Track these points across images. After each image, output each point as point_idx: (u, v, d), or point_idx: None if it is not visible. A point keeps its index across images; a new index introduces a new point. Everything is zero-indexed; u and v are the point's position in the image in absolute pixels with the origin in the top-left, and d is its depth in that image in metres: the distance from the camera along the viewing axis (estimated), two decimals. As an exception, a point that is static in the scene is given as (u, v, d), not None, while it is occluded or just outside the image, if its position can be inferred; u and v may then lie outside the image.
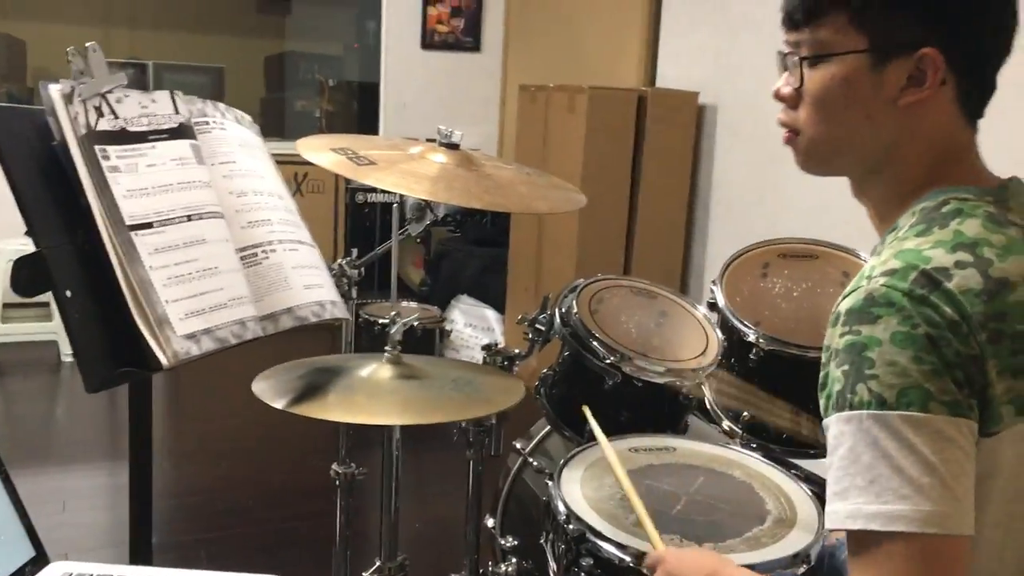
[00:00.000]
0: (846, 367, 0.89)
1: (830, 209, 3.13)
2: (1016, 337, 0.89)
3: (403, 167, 1.51)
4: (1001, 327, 0.89)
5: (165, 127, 1.21)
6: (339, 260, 1.75)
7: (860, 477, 0.87)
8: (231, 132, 1.32)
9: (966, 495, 0.86)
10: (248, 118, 1.41)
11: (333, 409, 1.30)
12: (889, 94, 0.99)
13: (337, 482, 1.92)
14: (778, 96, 1.08)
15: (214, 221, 1.20)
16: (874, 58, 0.98)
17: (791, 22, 1.04)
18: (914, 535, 0.84)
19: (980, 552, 0.93)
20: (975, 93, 1.01)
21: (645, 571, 1.24)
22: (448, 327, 4.62)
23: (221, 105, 1.34)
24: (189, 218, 1.17)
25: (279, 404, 1.29)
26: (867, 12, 0.97)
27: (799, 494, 1.49)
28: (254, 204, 1.28)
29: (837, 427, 0.89)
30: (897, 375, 0.86)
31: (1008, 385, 0.89)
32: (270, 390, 1.36)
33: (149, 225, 1.13)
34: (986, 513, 0.91)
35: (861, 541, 0.87)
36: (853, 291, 0.93)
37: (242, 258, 1.22)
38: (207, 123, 1.29)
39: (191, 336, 1.10)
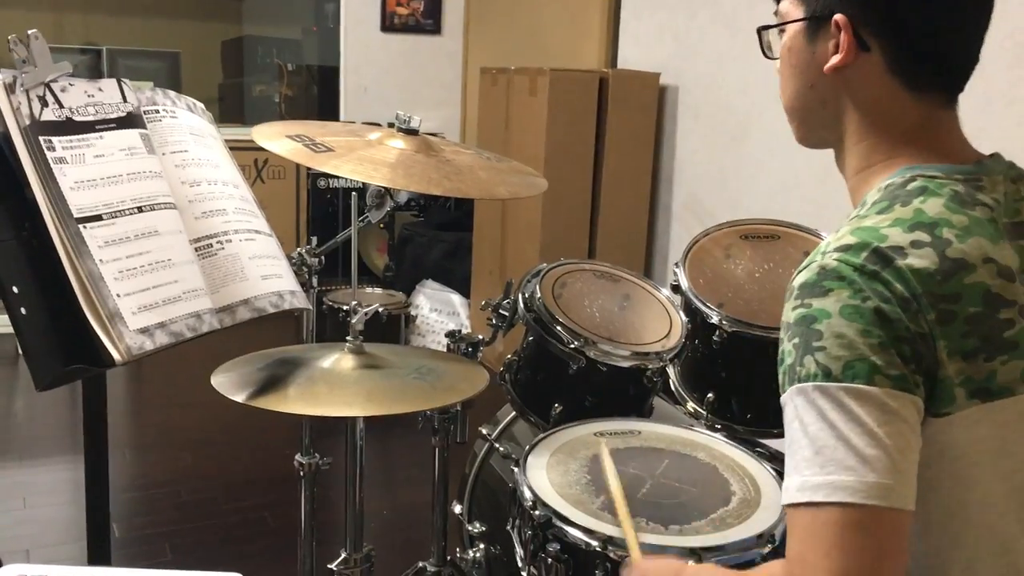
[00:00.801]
0: (796, 340, 0.90)
1: (792, 189, 3.15)
2: (969, 319, 0.89)
3: (361, 154, 1.49)
4: (953, 308, 0.89)
5: (113, 116, 1.17)
6: (299, 248, 1.73)
7: (808, 449, 0.87)
8: (183, 120, 1.29)
9: (909, 469, 0.86)
10: (200, 106, 1.38)
11: (294, 402, 1.29)
12: (820, 63, 1.01)
13: (301, 473, 1.90)
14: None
15: (166, 212, 1.17)
16: (809, 27, 1.02)
17: None
18: (856, 506, 0.84)
19: (934, 539, 0.94)
20: (912, 62, 0.99)
21: (623, 559, 1.25)
22: (413, 312, 4.60)
23: (172, 93, 1.31)
24: (140, 209, 1.14)
25: (239, 398, 1.27)
26: None
27: (763, 474, 1.50)
28: (208, 194, 1.25)
29: (791, 401, 0.90)
30: (844, 347, 0.86)
31: (959, 367, 0.89)
32: (230, 383, 1.34)
33: (98, 217, 1.10)
34: (937, 496, 0.92)
35: (803, 511, 0.87)
36: (807, 266, 0.93)
37: (196, 249, 1.20)
38: (157, 111, 1.26)
39: (144, 331, 1.08)
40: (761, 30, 1.08)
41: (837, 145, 1.07)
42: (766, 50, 1.09)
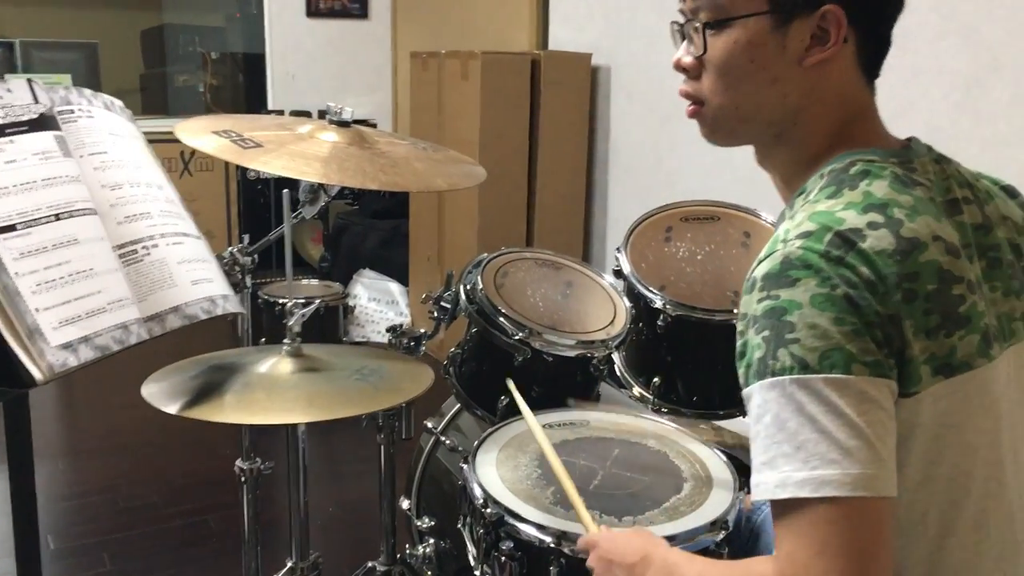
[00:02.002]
0: (766, 333, 0.87)
1: (727, 166, 3.16)
2: (928, 297, 0.90)
3: (292, 148, 1.44)
4: (914, 287, 0.89)
5: (24, 119, 1.10)
6: (230, 248, 1.66)
7: (787, 444, 0.85)
8: (100, 120, 1.22)
9: (890, 456, 0.86)
10: (119, 103, 1.31)
11: (231, 410, 1.24)
12: (793, 55, 0.98)
13: (242, 479, 1.84)
14: (679, 67, 1.05)
15: (86, 219, 1.11)
16: (776, 19, 0.97)
17: None
18: (844, 499, 0.83)
19: (902, 518, 0.93)
20: (873, 50, 1.01)
21: (578, 555, 1.23)
22: (351, 303, 4.53)
23: (87, 91, 1.24)
24: (57, 217, 1.08)
25: (173, 409, 1.22)
26: None
27: (713, 459, 1.50)
28: (130, 197, 1.19)
29: (760, 395, 0.88)
30: (819, 338, 0.85)
31: (924, 345, 0.89)
32: (163, 393, 1.29)
33: (12, 228, 1.03)
34: (905, 476, 0.91)
35: (790, 508, 0.86)
36: (768, 256, 0.91)
37: (120, 256, 1.13)
38: (72, 111, 1.19)
39: (67, 346, 1.02)
40: (708, 25, 0.99)
41: (774, 140, 1.04)
42: (705, 45, 1.00)
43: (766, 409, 0.87)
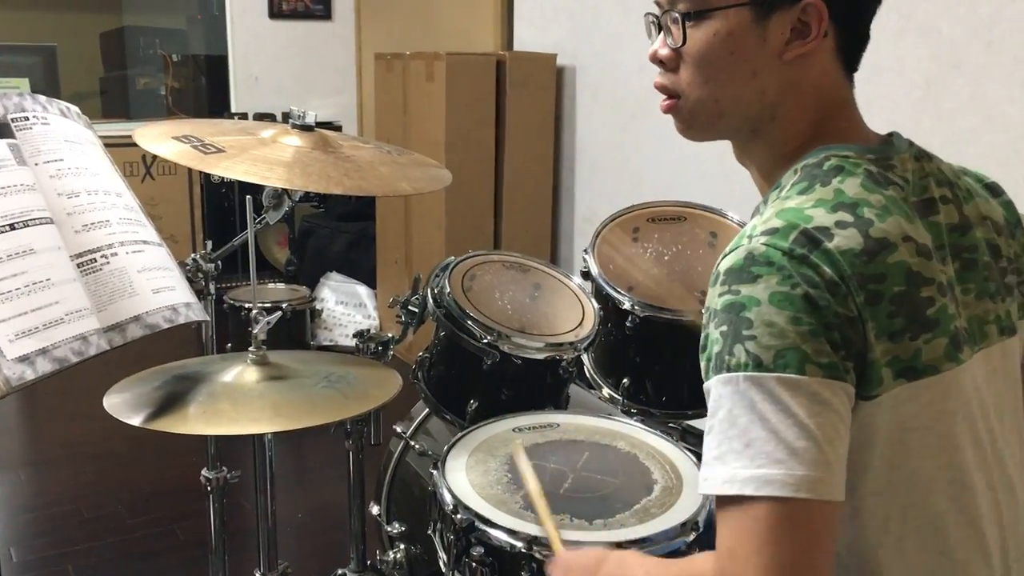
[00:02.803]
0: (724, 328, 0.87)
1: (693, 165, 3.17)
2: (894, 299, 0.89)
3: (254, 153, 1.42)
4: (880, 288, 0.88)
5: (-24, 127, 1.08)
6: (193, 255, 1.64)
7: (737, 441, 0.85)
8: (56, 127, 1.19)
9: (839, 460, 0.85)
10: (75, 109, 1.28)
11: (196, 421, 1.22)
12: (773, 48, 0.97)
13: (209, 488, 1.81)
14: (655, 59, 1.04)
15: (43, 228, 1.08)
16: (757, 11, 0.96)
17: None
18: (785, 499, 0.82)
19: (864, 522, 0.93)
20: (853, 44, 1.00)
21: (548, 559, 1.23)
22: (319, 306, 4.49)
23: (42, 98, 1.21)
24: (12, 227, 1.05)
25: (136, 421, 1.19)
26: None
27: (682, 460, 1.49)
28: (88, 205, 1.16)
29: (716, 390, 0.87)
30: (775, 336, 0.84)
31: (886, 347, 0.89)
32: (125, 404, 1.26)
33: (-35, 239, 1.01)
34: (866, 480, 0.91)
35: (733, 504, 0.85)
36: (733, 250, 0.91)
37: (79, 266, 1.11)
38: (27, 119, 1.16)
39: (24, 359, 0.99)
40: (688, 15, 0.98)
41: (751, 135, 1.03)
42: (684, 36, 0.99)
43: (720, 404, 0.87)
